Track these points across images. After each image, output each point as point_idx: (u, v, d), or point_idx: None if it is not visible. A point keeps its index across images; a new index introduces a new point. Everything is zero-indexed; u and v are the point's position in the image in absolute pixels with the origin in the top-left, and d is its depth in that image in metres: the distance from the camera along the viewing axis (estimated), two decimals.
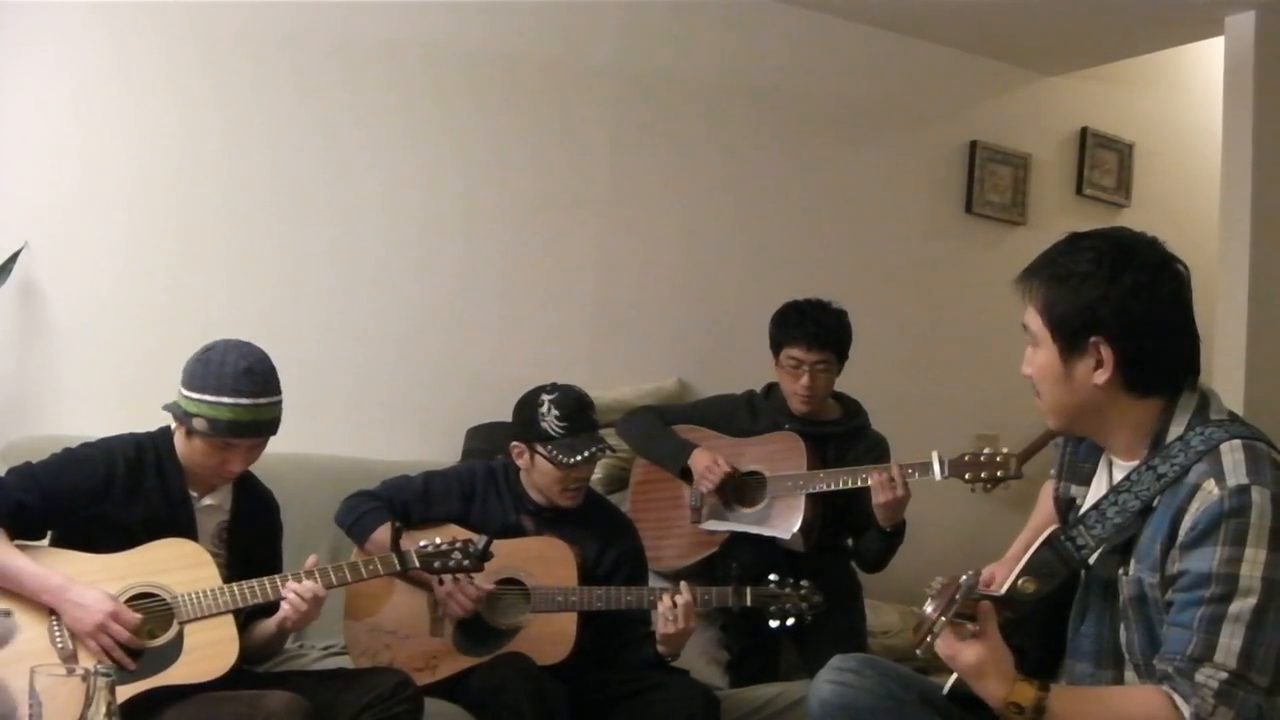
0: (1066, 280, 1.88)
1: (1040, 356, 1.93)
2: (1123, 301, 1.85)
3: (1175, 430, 1.87)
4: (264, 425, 2.58)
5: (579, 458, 2.98)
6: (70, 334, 3.45)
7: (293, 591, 2.54)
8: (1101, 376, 1.87)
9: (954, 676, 2.05)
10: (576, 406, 3.04)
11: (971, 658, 1.80)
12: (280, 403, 2.62)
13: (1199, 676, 1.74)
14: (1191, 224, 5.30)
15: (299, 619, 2.57)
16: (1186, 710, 1.73)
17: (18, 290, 3.35)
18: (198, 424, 2.54)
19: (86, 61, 3.49)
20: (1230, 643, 1.73)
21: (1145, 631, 1.85)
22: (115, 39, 3.52)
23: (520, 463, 3.09)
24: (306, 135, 3.78)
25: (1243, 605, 1.73)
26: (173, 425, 2.65)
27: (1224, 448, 1.81)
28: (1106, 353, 1.86)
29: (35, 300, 3.41)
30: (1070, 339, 1.88)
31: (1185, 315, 1.89)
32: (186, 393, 2.56)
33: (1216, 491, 1.76)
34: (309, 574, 2.58)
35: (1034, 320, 1.93)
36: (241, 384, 2.53)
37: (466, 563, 2.76)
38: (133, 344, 3.50)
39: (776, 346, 3.57)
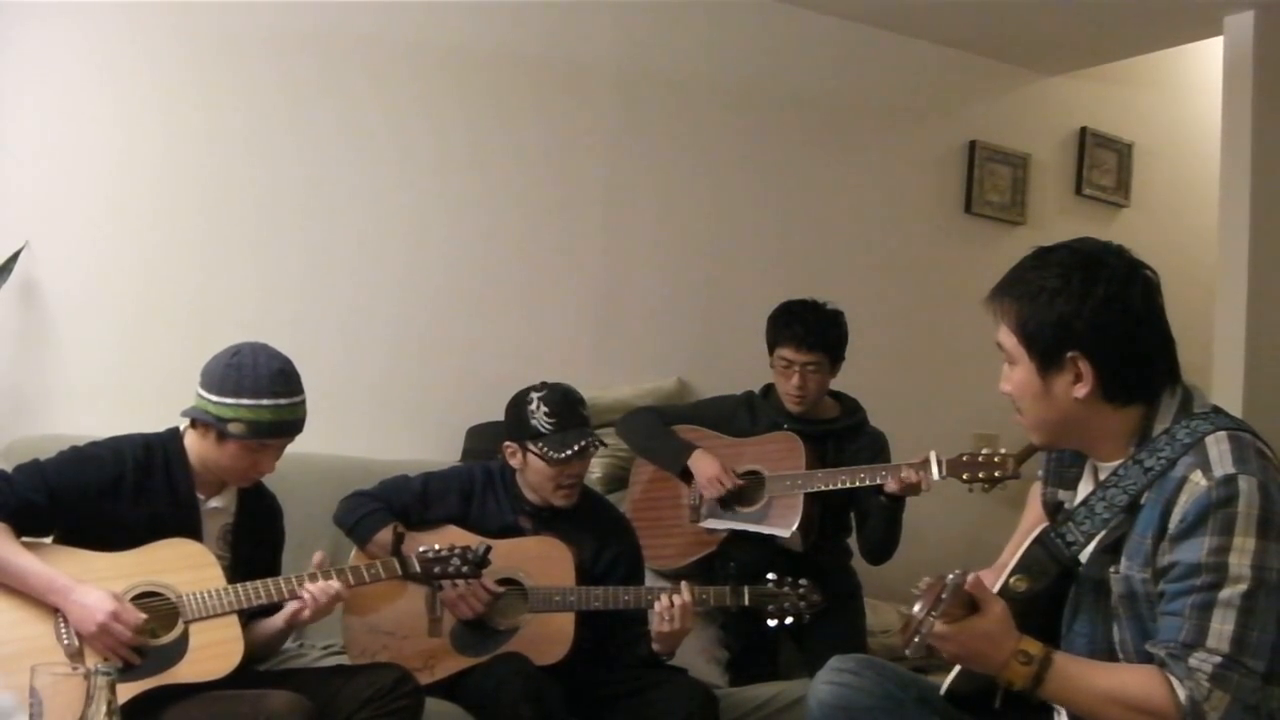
0: (1037, 297, 1.88)
1: (1018, 374, 1.93)
2: (1095, 315, 1.85)
3: (1160, 427, 1.88)
4: (299, 424, 2.62)
5: (569, 452, 2.98)
6: (70, 334, 3.45)
7: (314, 589, 2.56)
8: (1082, 390, 1.87)
9: (951, 676, 2.06)
10: (565, 402, 3.04)
11: (968, 634, 1.82)
12: (306, 400, 2.65)
13: (1192, 661, 1.75)
14: (1191, 224, 5.32)
15: (313, 615, 2.59)
16: (1181, 692, 1.74)
17: (18, 290, 3.35)
18: (234, 428, 2.54)
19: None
20: (1222, 628, 1.74)
21: (1137, 628, 1.86)
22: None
23: (514, 463, 3.09)
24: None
25: (1233, 592, 1.74)
26: (183, 427, 2.66)
27: (1209, 439, 1.82)
28: (1085, 366, 1.86)
29: (35, 300, 3.41)
30: (1046, 355, 1.89)
31: (1159, 321, 1.90)
32: (218, 398, 2.56)
33: (1204, 483, 1.77)
34: (325, 574, 2.60)
35: (1008, 338, 1.94)
36: (278, 385, 2.56)
37: (466, 569, 2.79)
38: (133, 344, 3.50)
39: (770, 346, 3.58)
